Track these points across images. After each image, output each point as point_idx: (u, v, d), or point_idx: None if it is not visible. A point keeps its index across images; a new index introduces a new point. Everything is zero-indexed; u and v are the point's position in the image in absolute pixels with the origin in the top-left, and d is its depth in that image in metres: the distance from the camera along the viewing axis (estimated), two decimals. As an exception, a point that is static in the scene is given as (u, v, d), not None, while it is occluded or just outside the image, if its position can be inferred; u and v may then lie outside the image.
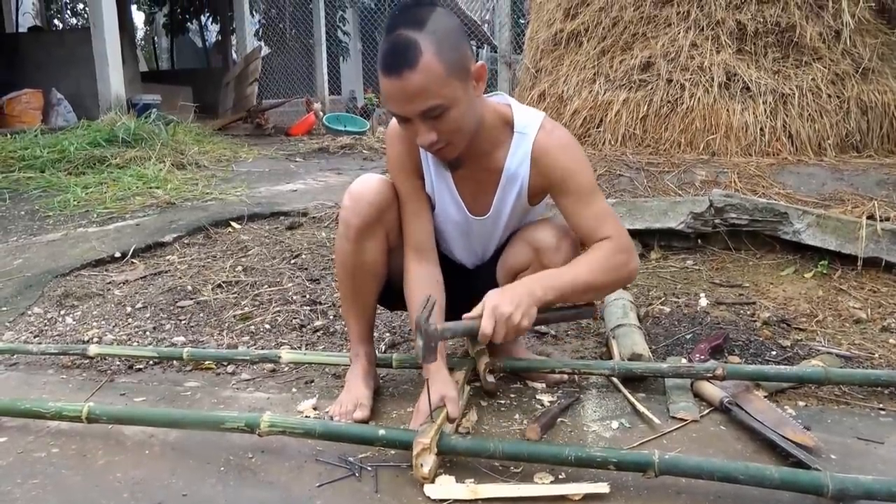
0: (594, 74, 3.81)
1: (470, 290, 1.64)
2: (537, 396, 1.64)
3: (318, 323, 2.18)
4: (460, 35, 1.34)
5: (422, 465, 1.23)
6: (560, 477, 1.28)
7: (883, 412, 1.55)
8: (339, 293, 1.73)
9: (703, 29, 3.58)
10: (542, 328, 2.10)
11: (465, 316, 1.36)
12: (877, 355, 1.85)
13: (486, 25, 14.78)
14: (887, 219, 2.48)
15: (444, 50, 1.27)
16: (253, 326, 2.17)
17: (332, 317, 2.23)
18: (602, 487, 1.21)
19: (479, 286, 1.65)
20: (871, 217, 2.47)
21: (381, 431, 1.33)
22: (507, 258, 1.61)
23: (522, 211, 1.57)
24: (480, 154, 1.48)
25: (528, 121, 1.47)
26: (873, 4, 3.57)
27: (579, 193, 1.45)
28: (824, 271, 2.44)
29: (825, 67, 3.45)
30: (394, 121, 1.47)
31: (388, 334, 2.11)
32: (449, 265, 1.64)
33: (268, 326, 2.17)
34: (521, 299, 1.31)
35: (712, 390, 1.56)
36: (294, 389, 1.72)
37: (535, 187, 1.51)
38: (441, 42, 1.27)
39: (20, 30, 10.81)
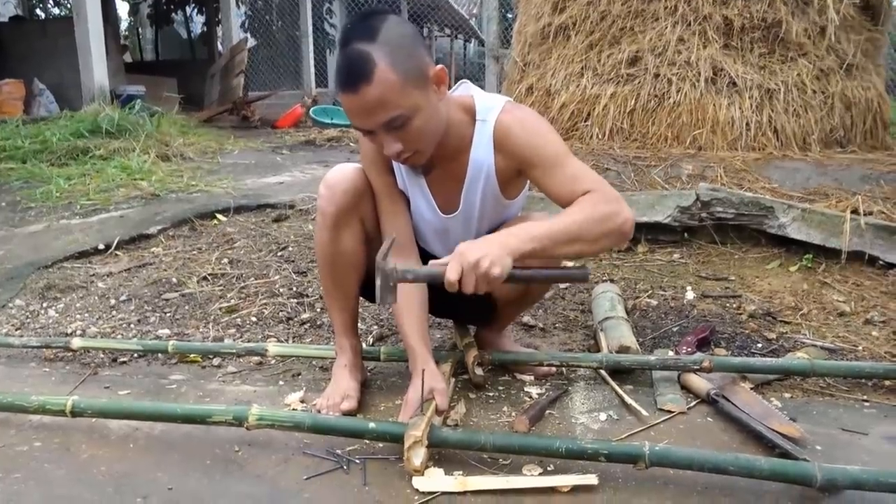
0: (582, 68, 3.82)
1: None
2: (525, 389, 1.64)
3: (305, 315, 2.16)
4: (415, 42, 1.32)
5: (413, 457, 1.23)
6: (549, 469, 1.28)
7: (867, 404, 1.56)
8: (322, 286, 1.72)
9: (690, 24, 3.60)
10: (531, 321, 2.10)
11: (431, 263, 1.31)
12: (860, 348, 1.87)
13: (474, 19, 14.76)
14: (871, 213, 2.51)
15: (399, 59, 1.25)
16: (239, 319, 2.15)
17: (319, 310, 2.21)
18: (591, 479, 1.21)
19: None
20: (854, 211, 2.50)
21: (371, 424, 1.32)
22: None
23: (496, 202, 1.52)
24: (449, 153, 1.45)
25: (489, 106, 1.44)
26: (858, 1, 3.60)
27: (548, 161, 1.38)
28: (809, 265, 2.46)
29: (810, 63, 3.48)
30: None
31: (375, 327, 2.10)
32: (429, 259, 1.63)
33: (254, 319, 2.15)
34: (491, 247, 1.21)
35: (699, 382, 1.57)
36: (281, 382, 1.71)
37: (504, 172, 1.47)
38: (395, 52, 1.25)
39: (1, 19, 10.63)
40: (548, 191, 1.41)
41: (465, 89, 1.51)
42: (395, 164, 1.53)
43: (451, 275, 1.19)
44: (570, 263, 1.94)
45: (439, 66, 1.34)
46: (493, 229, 1.58)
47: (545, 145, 1.40)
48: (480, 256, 1.19)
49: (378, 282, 1.23)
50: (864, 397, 1.59)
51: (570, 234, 1.28)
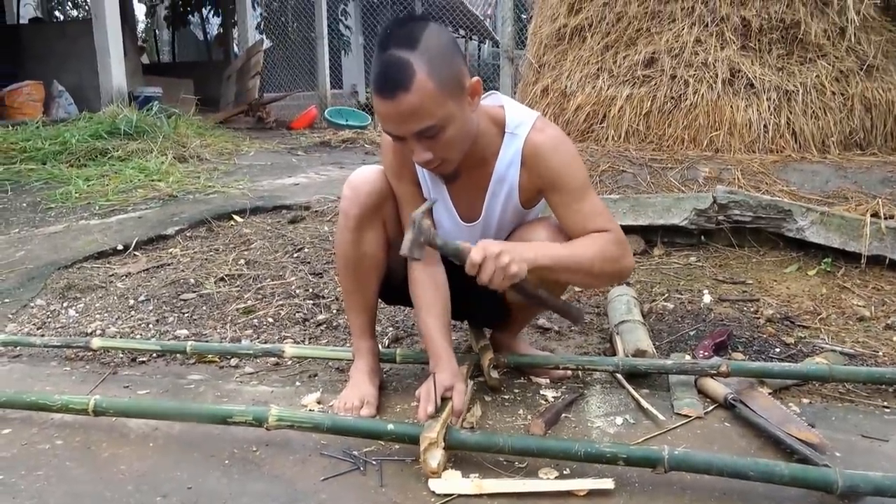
0: (598, 70, 3.80)
1: (466, 288, 1.63)
2: (541, 392, 1.64)
3: (321, 317, 2.18)
4: (454, 51, 1.32)
5: (429, 459, 1.23)
6: (565, 472, 1.28)
7: (887, 410, 1.55)
8: (341, 287, 1.73)
9: (707, 25, 3.57)
10: (546, 323, 2.10)
11: (458, 242, 1.34)
12: (881, 353, 1.85)
13: (489, 20, 14.75)
14: (891, 216, 2.48)
15: (438, 69, 1.25)
16: (256, 320, 2.17)
17: (335, 311, 2.23)
18: (607, 483, 1.21)
19: (474, 284, 1.65)
20: (875, 215, 2.47)
21: (390, 426, 1.33)
22: None
23: (515, 213, 1.55)
24: (475, 162, 1.46)
25: (520, 121, 1.45)
26: (878, 2, 3.56)
27: (571, 192, 1.43)
28: (828, 269, 2.44)
29: (829, 64, 3.44)
30: None
31: (391, 329, 2.11)
32: (445, 262, 1.64)
33: (271, 320, 2.17)
34: (513, 248, 1.30)
35: (716, 387, 1.56)
36: (298, 383, 1.72)
37: (527, 189, 1.49)
38: (434, 61, 1.24)
39: (21, 21, 10.77)
40: (563, 219, 1.47)
41: (494, 99, 1.51)
42: (419, 172, 1.54)
43: (476, 256, 1.25)
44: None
45: (475, 79, 1.33)
46: (509, 233, 1.59)
47: (572, 174, 1.44)
48: (503, 251, 1.26)
49: (409, 234, 1.26)
50: (885, 403, 1.57)
51: (581, 263, 1.38)
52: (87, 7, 14.70)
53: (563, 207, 1.45)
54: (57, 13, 14.85)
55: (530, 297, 1.42)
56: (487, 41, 16.98)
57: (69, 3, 15.98)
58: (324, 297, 2.34)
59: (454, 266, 1.65)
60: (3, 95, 7.08)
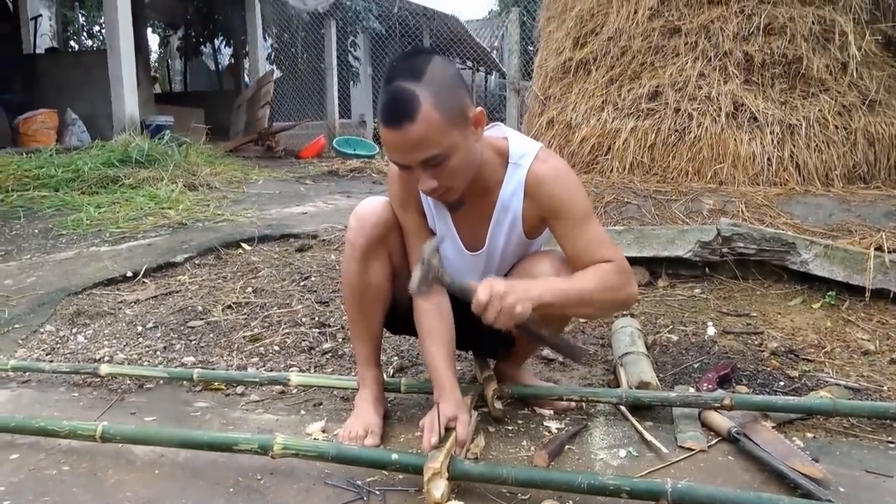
0: (602, 102, 3.86)
1: (470, 318, 1.65)
2: (545, 423, 1.64)
3: (326, 345, 2.19)
4: (458, 83, 1.36)
5: (433, 489, 1.24)
6: (568, 504, 1.28)
7: (892, 445, 1.54)
8: (347, 316, 1.75)
9: (710, 59, 3.63)
10: (550, 354, 2.10)
11: (464, 280, 1.36)
12: (885, 387, 1.85)
13: (496, 52, 14.97)
14: (895, 250, 2.49)
15: (443, 100, 1.29)
16: (262, 348, 2.18)
17: (340, 339, 2.24)
18: (610, 516, 1.21)
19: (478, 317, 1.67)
20: (878, 248, 2.48)
21: (395, 455, 1.33)
22: None
23: (519, 243, 1.57)
24: (479, 192, 1.49)
25: (523, 151, 1.49)
26: (880, 38, 3.61)
27: (573, 221, 1.46)
28: (832, 302, 2.44)
29: (832, 99, 3.48)
30: None
31: (395, 358, 2.12)
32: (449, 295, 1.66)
33: (277, 348, 2.18)
34: (518, 287, 1.31)
35: (720, 420, 1.57)
36: (303, 412, 1.73)
37: (530, 218, 1.52)
38: (439, 92, 1.29)
39: (38, 51, 10.99)
40: (566, 248, 1.49)
41: (497, 131, 1.55)
42: (424, 201, 1.57)
43: (482, 296, 1.27)
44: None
45: (478, 109, 1.38)
46: (513, 266, 1.61)
47: (575, 204, 1.46)
48: (508, 291, 1.27)
49: (418, 271, 1.29)
50: (889, 438, 1.57)
51: (584, 297, 1.40)
52: (101, 37, 15.01)
53: (566, 236, 1.48)
54: (72, 43, 15.13)
55: (533, 336, 1.44)
56: (494, 73, 17.20)
57: (84, 34, 16.31)
58: (330, 326, 2.36)
59: (452, 298, 1.67)
60: (17, 123, 7.20)
